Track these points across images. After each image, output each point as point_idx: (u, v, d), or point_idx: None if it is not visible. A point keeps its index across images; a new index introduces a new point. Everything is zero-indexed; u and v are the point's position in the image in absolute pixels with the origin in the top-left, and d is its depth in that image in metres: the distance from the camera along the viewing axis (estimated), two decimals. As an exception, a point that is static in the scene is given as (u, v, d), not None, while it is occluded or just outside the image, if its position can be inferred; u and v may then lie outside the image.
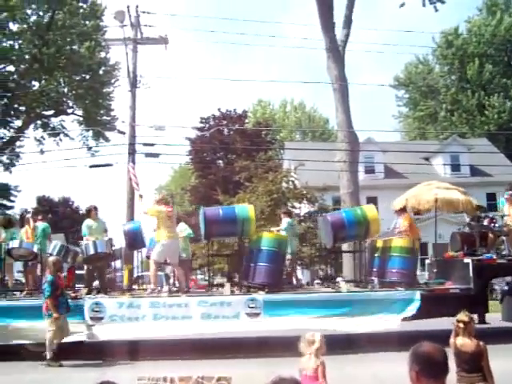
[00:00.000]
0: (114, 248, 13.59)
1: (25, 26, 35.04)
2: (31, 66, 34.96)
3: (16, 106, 36.92)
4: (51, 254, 12.77)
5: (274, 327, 11.35)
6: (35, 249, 12.65)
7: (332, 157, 23.02)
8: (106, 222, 14.22)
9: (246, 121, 48.73)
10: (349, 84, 22.16)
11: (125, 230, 13.97)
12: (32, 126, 39.03)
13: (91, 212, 13.46)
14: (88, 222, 13.29)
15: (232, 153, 43.06)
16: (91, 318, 11.36)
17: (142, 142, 21.84)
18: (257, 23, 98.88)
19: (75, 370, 10.38)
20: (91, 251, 12.59)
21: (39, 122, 39.19)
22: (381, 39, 58.09)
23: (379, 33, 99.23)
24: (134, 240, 13.83)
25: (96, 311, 11.38)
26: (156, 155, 21.91)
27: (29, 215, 14.02)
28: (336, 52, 21.79)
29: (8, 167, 36.43)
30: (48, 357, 10.53)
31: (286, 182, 27.24)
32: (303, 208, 27.35)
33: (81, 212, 79.86)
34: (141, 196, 12.45)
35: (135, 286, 15.50)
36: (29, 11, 35.30)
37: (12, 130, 38.11)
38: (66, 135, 38.78)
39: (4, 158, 36.74)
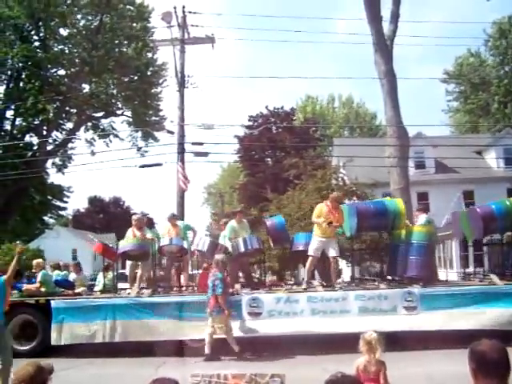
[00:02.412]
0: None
1: (74, 30, 35.82)
2: (81, 70, 35.71)
3: (67, 108, 37.80)
4: (201, 251, 13.22)
5: (431, 322, 11.18)
6: (185, 245, 13.01)
7: (381, 152, 22.68)
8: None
9: (294, 118, 48.53)
10: (397, 78, 21.79)
11: (269, 225, 13.86)
12: (83, 127, 39.95)
13: (237, 215, 13.78)
14: (232, 223, 13.53)
15: (280, 150, 42.95)
16: (249, 314, 11.52)
17: (190, 142, 21.94)
18: (303, 19, 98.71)
19: (128, 367, 10.47)
20: (242, 248, 12.69)
21: (90, 124, 40.07)
22: (430, 32, 57.06)
23: (428, 25, 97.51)
24: (279, 235, 13.71)
25: (253, 307, 11.52)
26: (205, 154, 21.96)
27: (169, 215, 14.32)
28: (384, 46, 21.42)
29: (61, 169, 37.39)
30: (207, 352, 10.70)
31: (336, 179, 26.97)
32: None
33: (132, 212, 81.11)
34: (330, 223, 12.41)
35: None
36: (78, 16, 36.07)
37: (64, 133, 39.05)
38: (116, 136, 39.55)
39: (57, 160, 37.65)
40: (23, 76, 35.80)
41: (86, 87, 37.67)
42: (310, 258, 12.33)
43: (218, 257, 11.47)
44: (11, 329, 11.77)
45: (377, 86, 21.97)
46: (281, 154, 42.31)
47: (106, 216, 79.01)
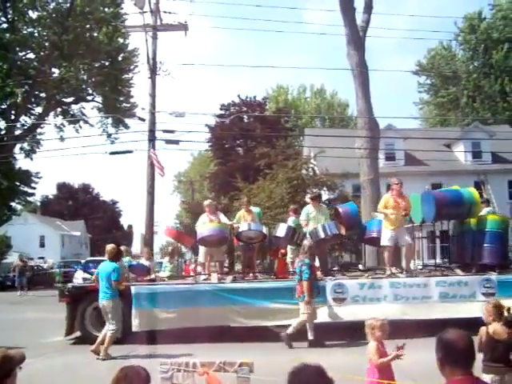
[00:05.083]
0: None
1: (44, 13, 35.16)
2: (51, 53, 35.08)
3: (36, 92, 37.16)
4: (277, 237, 12.97)
5: None
6: (264, 230, 12.88)
7: (352, 143, 22.84)
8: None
9: (266, 107, 48.45)
10: (369, 70, 21.90)
11: (342, 211, 13.73)
12: (52, 113, 39.31)
13: (314, 199, 13.79)
14: (309, 208, 13.48)
15: (252, 140, 42.92)
16: (333, 299, 11.54)
17: (161, 129, 21.80)
18: (277, 9, 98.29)
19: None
20: (321, 234, 12.57)
21: (59, 109, 39.44)
22: (403, 24, 57.41)
23: (401, 18, 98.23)
24: (352, 222, 13.62)
25: (338, 292, 11.55)
26: (176, 142, 21.83)
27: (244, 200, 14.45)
28: (356, 37, 21.50)
29: (29, 154, 36.73)
30: (310, 337, 10.64)
31: (306, 169, 27.08)
32: (323, 195, 27.25)
33: (101, 199, 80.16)
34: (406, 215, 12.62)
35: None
36: (48, -2, 35.41)
37: (33, 117, 38.41)
38: (86, 122, 39.02)
39: (25, 145, 37.04)
40: (-10, 58, 35.01)
41: (56, 71, 37.06)
42: (386, 249, 12.50)
43: (306, 243, 11.51)
44: (89, 315, 11.71)
45: (350, 77, 21.99)
46: (252, 144, 42.30)
47: (75, 203, 78.20)
